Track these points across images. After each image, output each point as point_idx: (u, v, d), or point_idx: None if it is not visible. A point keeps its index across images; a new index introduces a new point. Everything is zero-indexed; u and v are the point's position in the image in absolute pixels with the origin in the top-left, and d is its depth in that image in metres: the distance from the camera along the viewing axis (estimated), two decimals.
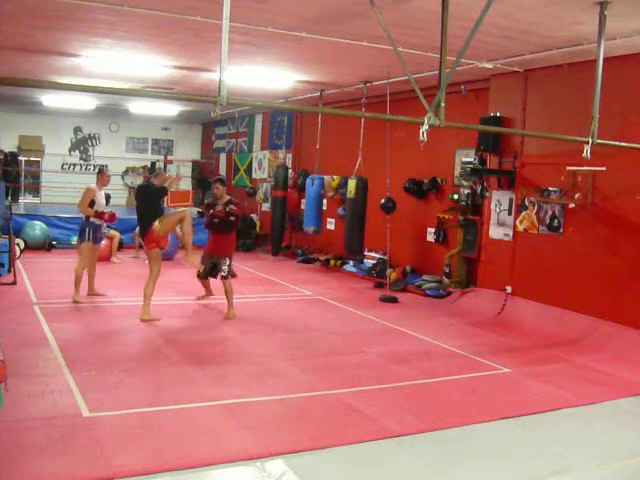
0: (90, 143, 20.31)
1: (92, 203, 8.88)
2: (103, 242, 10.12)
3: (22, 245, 12.34)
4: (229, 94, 4.38)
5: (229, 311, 8.51)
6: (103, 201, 9.18)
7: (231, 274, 8.70)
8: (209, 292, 9.20)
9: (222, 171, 19.20)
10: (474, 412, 5.29)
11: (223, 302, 8.80)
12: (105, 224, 9.41)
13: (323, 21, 6.77)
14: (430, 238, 11.01)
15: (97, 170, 9.79)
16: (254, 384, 5.74)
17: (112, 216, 9.21)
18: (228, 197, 8.84)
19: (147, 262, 8.35)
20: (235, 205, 8.69)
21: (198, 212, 17.14)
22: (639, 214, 7.55)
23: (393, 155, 10.49)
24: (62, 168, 19.29)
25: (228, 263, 8.58)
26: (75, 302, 8.70)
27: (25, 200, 18.17)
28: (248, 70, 10.00)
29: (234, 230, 8.83)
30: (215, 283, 9.01)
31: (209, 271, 8.83)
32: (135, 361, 6.26)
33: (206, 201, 9.09)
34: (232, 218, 8.62)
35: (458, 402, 5.56)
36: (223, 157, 19.52)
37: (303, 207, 13.70)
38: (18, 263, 11.02)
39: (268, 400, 5.33)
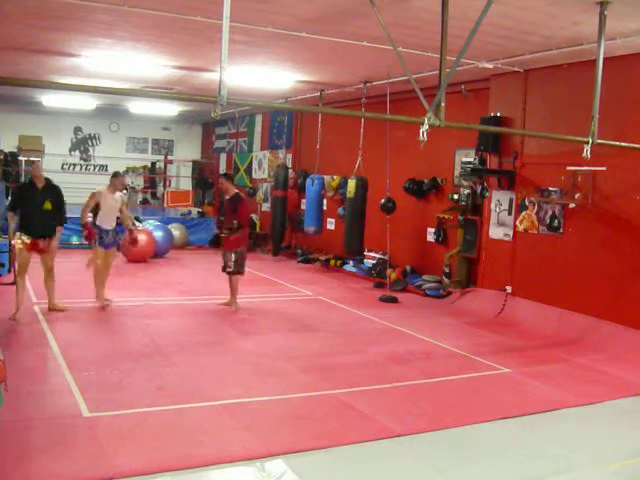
0: (90, 143, 20.34)
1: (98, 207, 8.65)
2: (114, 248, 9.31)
3: None
4: (229, 94, 4.37)
5: (230, 301, 8.76)
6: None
7: (238, 270, 8.72)
8: (234, 297, 8.86)
9: (222, 171, 19.20)
10: (474, 412, 5.29)
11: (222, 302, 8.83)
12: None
13: (323, 21, 6.77)
14: (430, 238, 11.01)
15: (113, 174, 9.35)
16: (254, 384, 5.74)
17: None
18: (235, 191, 8.91)
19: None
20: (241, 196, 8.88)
21: (198, 212, 17.15)
22: (639, 214, 7.56)
23: (393, 155, 10.48)
24: (62, 168, 19.27)
25: (233, 259, 8.65)
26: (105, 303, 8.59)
27: None
28: (248, 70, 10.00)
29: (241, 214, 8.66)
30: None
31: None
32: (135, 361, 6.26)
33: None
34: (239, 199, 8.74)
35: (458, 402, 5.56)
36: (223, 157, 19.53)
37: (303, 207, 13.71)
38: None
39: (268, 400, 5.33)
